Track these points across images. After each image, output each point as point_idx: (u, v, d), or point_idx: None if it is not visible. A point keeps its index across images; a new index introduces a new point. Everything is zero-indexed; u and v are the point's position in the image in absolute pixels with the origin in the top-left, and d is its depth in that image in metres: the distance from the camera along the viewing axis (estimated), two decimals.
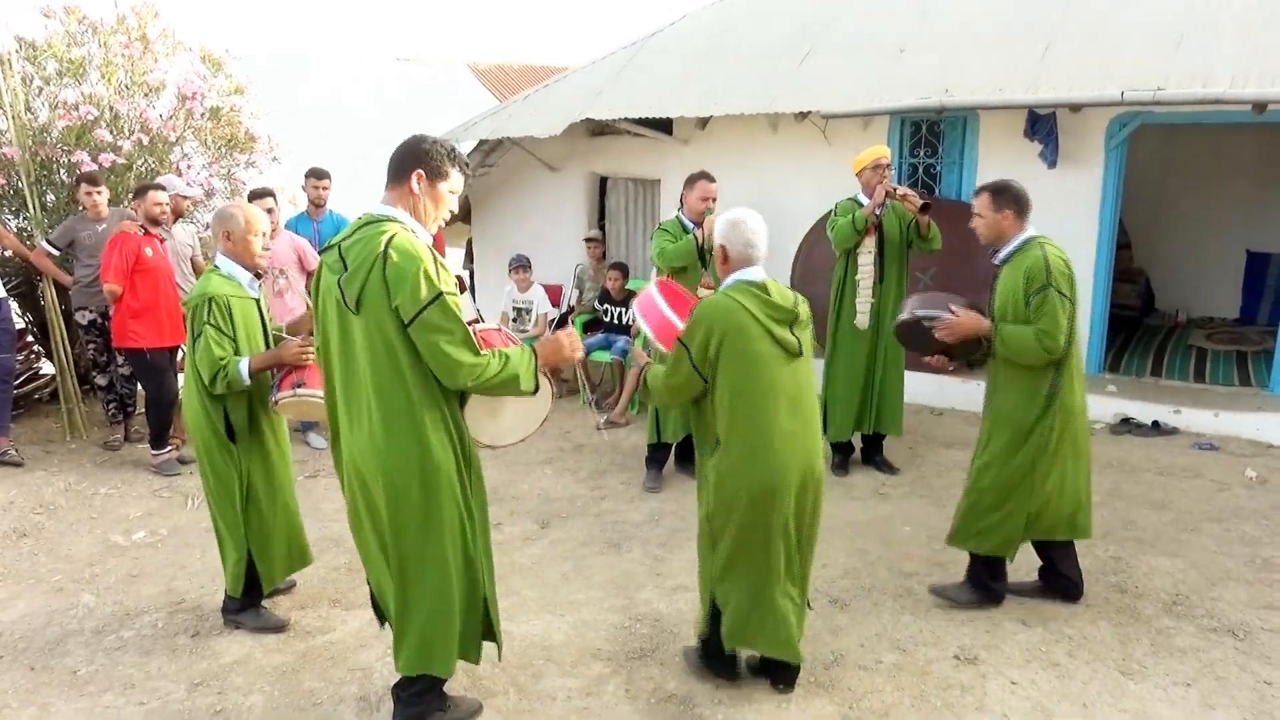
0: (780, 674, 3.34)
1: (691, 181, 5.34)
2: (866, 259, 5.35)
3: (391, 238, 2.67)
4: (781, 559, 3.15)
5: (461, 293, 2.91)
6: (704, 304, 3.12)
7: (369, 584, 3.05)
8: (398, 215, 2.80)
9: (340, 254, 2.75)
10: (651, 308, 3.35)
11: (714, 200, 5.28)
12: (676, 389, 3.19)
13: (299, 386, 3.64)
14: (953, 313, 3.78)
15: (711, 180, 5.33)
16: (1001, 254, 3.83)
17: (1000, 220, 3.79)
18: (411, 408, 2.73)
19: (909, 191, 5.21)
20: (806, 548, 3.24)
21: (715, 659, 3.36)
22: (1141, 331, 8.52)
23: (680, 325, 3.19)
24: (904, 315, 3.97)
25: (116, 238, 5.67)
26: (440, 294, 2.66)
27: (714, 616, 3.26)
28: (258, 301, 3.83)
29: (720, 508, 3.13)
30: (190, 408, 3.71)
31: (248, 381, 3.60)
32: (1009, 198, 3.78)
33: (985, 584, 3.95)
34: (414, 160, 2.81)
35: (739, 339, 3.03)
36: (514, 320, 7.57)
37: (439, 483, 2.79)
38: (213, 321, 3.58)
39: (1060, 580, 3.98)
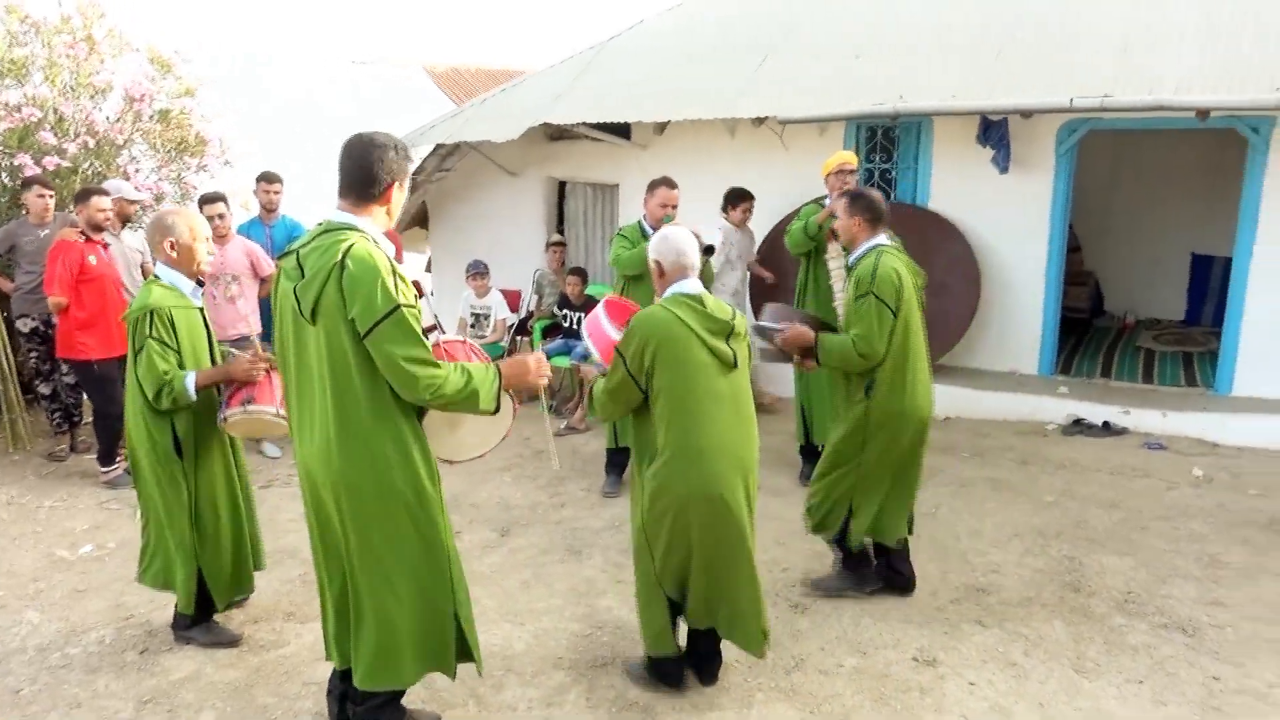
0: (705, 665, 3.38)
1: (653, 187, 5.35)
2: (836, 263, 5.34)
3: (350, 247, 2.62)
4: (720, 561, 3.19)
5: (420, 298, 2.85)
6: (639, 315, 3.20)
7: (322, 599, 2.98)
8: (358, 224, 2.72)
9: (298, 261, 2.69)
10: (596, 329, 3.46)
11: (674, 207, 5.28)
12: (615, 396, 3.23)
13: (248, 403, 3.54)
14: (783, 329, 4.01)
15: (673, 187, 5.32)
16: (852, 258, 4.04)
17: (852, 225, 3.99)
18: (365, 419, 2.67)
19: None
20: (743, 556, 3.21)
21: (661, 665, 3.36)
22: (1091, 333, 8.69)
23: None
24: (758, 322, 4.23)
25: (57, 247, 5.49)
26: (397, 306, 2.60)
27: (671, 607, 3.28)
28: (201, 311, 3.73)
29: (654, 516, 3.16)
30: (134, 424, 3.58)
31: (194, 397, 3.50)
32: (862, 205, 3.97)
33: (854, 569, 4.10)
34: (389, 172, 2.73)
35: (674, 348, 3.09)
36: (472, 326, 7.52)
37: (393, 495, 2.73)
38: (155, 335, 3.46)
39: (894, 576, 4.12)
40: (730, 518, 3.13)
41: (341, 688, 3.05)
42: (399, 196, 2.82)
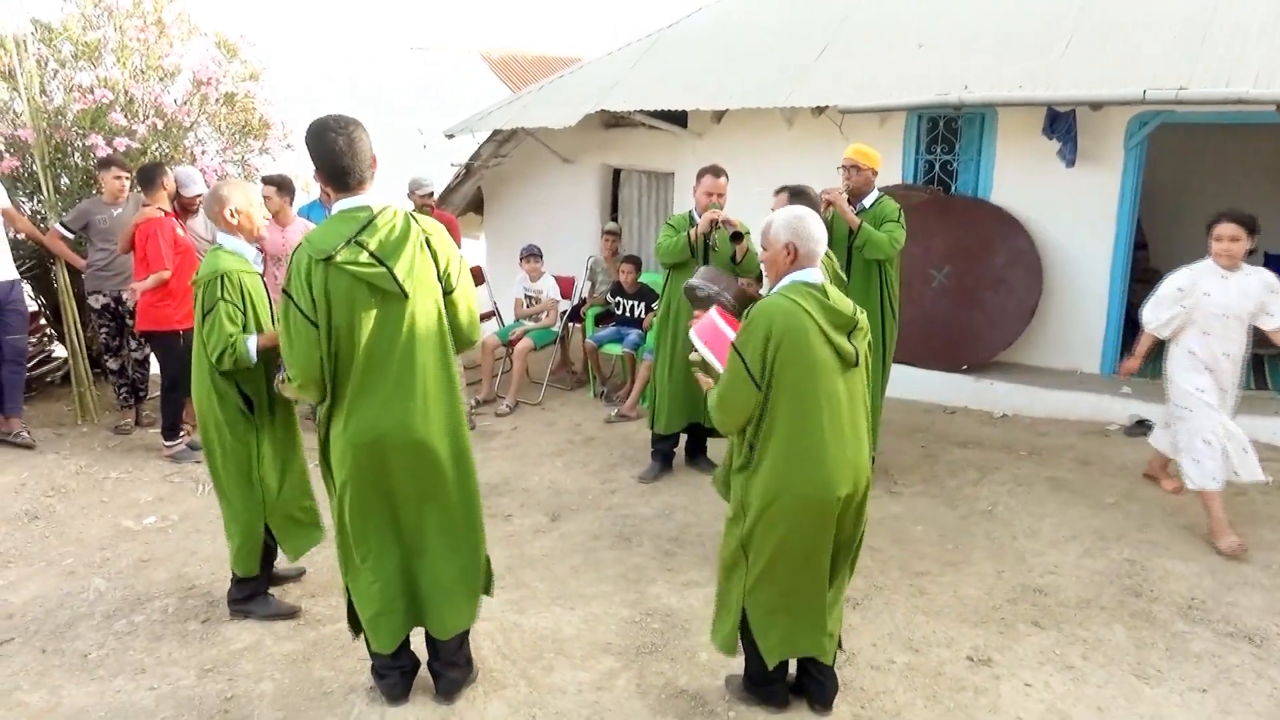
0: (817, 693, 3.18)
1: (700, 176, 5.23)
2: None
3: (411, 217, 2.93)
4: (825, 573, 3.01)
5: (480, 284, 3.10)
6: (761, 305, 2.89)
7: (355, 574, 3.08)
8: (383, 201, 2.92)
9: (370, 253, 2.80)
10: (714, 333, 3.27)
11: (721, 196, 5.17)
12: (732, 401, 2.93)
13: None
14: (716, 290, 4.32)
15: (719, 175, 5.18)
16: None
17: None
18: (453, 379, 3.04)
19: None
20: (845, 561, 3.09)
21: (762, 685, 3.16)
22: None
23: None
24: (688, 281, 4.58)
25: (149, 224, 5.59)
26: (462, 256, 3.07)
27: (745, 633, 3.08)
28: (261, 276, 3.84)
29: (763, 522, 2.91)
30: (200, 386, 3.70)
31: (254, 359, 3.61)
32: (805, 202, 4.16)
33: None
34: (368, 147, 2.91)
35: (797, 343, 2.82)
36: (527, 308, 7.57)
37: (466, 446, 3.10)
38: (227, 297, 3.58)
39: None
40: (847, 524, 2.98)
41: (404, 662, 3.19)
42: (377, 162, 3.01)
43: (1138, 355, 4.80)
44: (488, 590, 3.27)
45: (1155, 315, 4.76)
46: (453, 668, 3.22)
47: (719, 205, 5.13)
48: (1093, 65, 6.26)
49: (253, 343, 3.61)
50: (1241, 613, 3.88)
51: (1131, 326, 7.36)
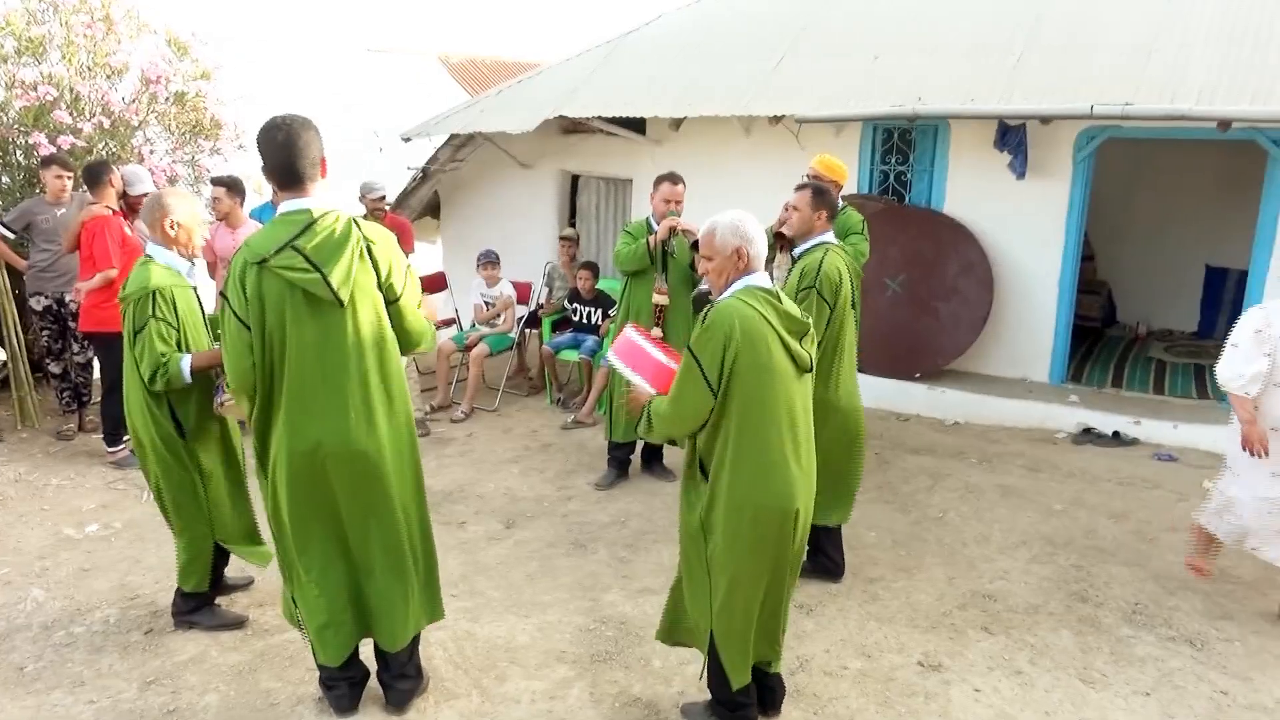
0: (767, 699, 3.16)
1: (658, 183, 5.27)
2: (781, 272, 5.07)
3: (354, 223, 2.84)
4: (785, 585, 2.97)
5: (442, 289, 3.07)
6: (720, 308, 2.79)
7: (300, 586, 3.03)
8: (325, 206, 2.86)
9: (305, 257, 2.73)
10: (636, 352, 3.07)
11: (679, 203, 5.21)
12: (683, 408, 2.82)
13: None
14: None
15: (676, 183, 5.22)
16: (798, 250, 4.10)
17: (814, 219, 4.05)
18: (398, 389, 2.96)
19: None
20: (793, 570, 3.03)
21: (735, 710, 3.04)
22: (1103, 342, 8.65)
23: (673, 365, 2.95)
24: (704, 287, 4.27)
25: (96, 223, 5.44)
26: (409, 264, 2.98)
27: (714, 660, 2.99)
28: (195, 290, 3.72)
29: (726, 537, 2.82)
30: (135, 405, 3.55)
31: (189, 379, 3.47)
32: (828, 202, 4.06)
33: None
34: (318, 147, 2.86)
35: (756, 349, 2.74)
36: (485, 314, 7.51)
37: (414, 457, 3.06)
38: (158, 315, 3.44)
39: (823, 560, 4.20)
40: (799, 535, 2.90)
41: (353, 673, 3.15)
42: (328, 169, 2.95)
43: (1249, 425, 3.76)
44: (433, 613, 3.22)
45: (1237, 371, 3.77)
46: (402, 679, 3.18)
47: (677, 212, 5.16)
48: (1044, 80, 6.39)
49: (186, 363, 3.46)
50: (1183, 617, 3.97)
51: (1078, 335, 7.54)
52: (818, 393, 3.77)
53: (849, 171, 7.13)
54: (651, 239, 5.13)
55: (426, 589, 3.17)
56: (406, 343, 3.01)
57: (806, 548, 3.12)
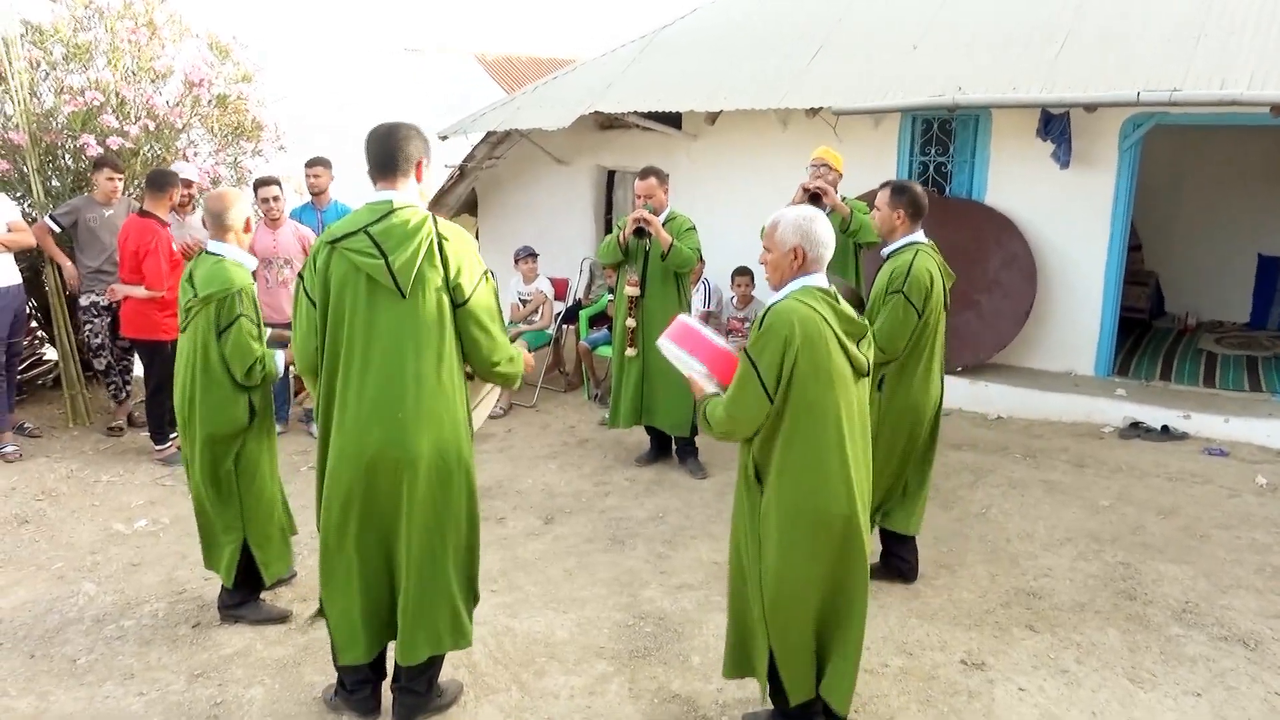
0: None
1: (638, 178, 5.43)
2: None
3: (434, 220, 2.80)
4: (851, 596, 2.85)
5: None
6: (779, 308, 2.69)
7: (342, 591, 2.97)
8: (409, 200, 2.84)
9: (373, 241, 2.74)
10: (695, 338, 2.93)
11: (651, 197, 5.31)
12: (741, 412, 2.72)
13: None
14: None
15: (645, 177, 5.34)
16: (886, 250, 3.98)
17: (894, 218, 3.91)
18: (450, 388, 2.85)
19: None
20: (859, 586, 2.87)
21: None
22: (1151, 334, 8.46)
23: (731, 350, 2.86)
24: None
25: (149, 235, 5.54)
26: (488, 272, 2.90)
27: (774, 674, 2.89)
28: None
29: (784, 545, 2.73)
30: (219, 402, 3.58)
31: (281, 371, 3.64)
32: (906, 199, 3.89)
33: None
34: (418, 149, 2.87)
35: (815, 352, 2.64)
36: (523, 310, 7.54)
37: (461, 461, 2.93)
38: (246, 313, 3.54)
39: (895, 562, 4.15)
40: (860, 543, 2.79)
41: (374, 676, 3.12)
42: (428, 177, 2.93)
43: None
44: (461, 638, 3.02)
45: None
46: (409, 694, 3.05)
47: (651, 206, 5.31)
48: (1087, 67, 6.26)
49: (280, 358, 3.63)
50: (1236, 616, 3.87)
51: (1125, 328, 7.38)
52: (898, 398, 3.82)
53: (888, 162, 7.11)
54: (621, 234, 5.34)
55: (452, 613, 2.97)
56: (475, 365, 2.92)
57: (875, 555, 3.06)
